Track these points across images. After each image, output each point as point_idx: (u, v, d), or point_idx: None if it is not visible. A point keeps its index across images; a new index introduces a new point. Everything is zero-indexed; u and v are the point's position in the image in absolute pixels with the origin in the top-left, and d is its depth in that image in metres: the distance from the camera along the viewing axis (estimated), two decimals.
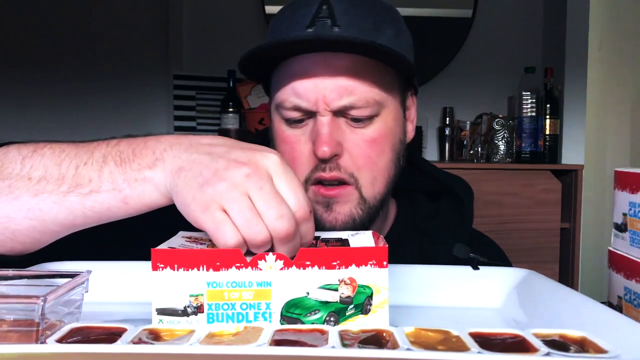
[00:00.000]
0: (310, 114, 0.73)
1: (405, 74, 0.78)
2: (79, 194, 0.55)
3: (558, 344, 0.42)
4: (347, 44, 0.69)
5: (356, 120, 0.73)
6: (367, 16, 0.73)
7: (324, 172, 0.72)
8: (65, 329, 0.43)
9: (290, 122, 0.74)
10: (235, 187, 0.48)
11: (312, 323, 0.47)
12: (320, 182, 0.73)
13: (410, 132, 0.82)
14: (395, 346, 0.40)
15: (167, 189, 0.53)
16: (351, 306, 0.48)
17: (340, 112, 0.72)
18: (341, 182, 0.73)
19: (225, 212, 0.48)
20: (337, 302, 0.48)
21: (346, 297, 0.48)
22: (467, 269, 0.67)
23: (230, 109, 2.10)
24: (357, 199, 0.74)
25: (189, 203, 0.49)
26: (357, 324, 0.48)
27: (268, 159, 0.50)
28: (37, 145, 0.59)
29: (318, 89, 0.71)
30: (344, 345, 0.41)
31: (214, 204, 0.48)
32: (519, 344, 0.41)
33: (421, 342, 0.41)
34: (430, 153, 2.36)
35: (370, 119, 0.73)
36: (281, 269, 0.47)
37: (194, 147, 0.53)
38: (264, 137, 0.81)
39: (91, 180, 0.55)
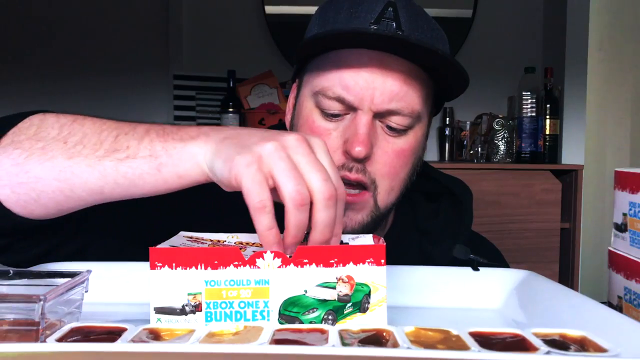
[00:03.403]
0: (350, 109, 0.71)
1: (453, 94, 0.77)
2: (115, 159, 0.55)
3: (558, 343, 0.42)
4: (427, 51, 0.68)
5: (392, 129, 0.72)
6: (426, 30, 0.72)
7: (349, 172, 0.71)
8: (65, 328, 0.43)
9: (327, 115, 0.72)
10: (283, 148, 0.48)
11: (310, 321, 0.47)
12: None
13: (425, 149, 0.82)
14: (395, 345, 0.40)
15: (205, 159, 0.52)
16: (349, 304, 0.48)
17: (381, 115, 0.71)
18: (362, 187, 0.72)
19: (266, 177, 0.47)
20: (335, 300, 0.48)
21: (344, 295, 0.48)
22: (467, 269, 0.67)
23: (230, 109, 2.10)
24: (371, 206, 0.73)
25: (233, 157, 0.49)
26: (356, 322, 0.48)
27: (316, 139, 0.52)
28: (77, 116, 0.60)
29: (369, 87, 0.69)
30: (344, 344, 0.41)
31: (260, 162, 0.48)
32: (519, 343, 0.41)
33: (421, 341, 0.41)
34: (430, 153, 2.36)
35: (405, 130, 0.72)
36: (279, 267, 0.47)
37: (240, 128, 0.54)
38: None
39: (129, 147, 0.55)
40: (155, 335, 0.43)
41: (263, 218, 0.46)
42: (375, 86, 0.69)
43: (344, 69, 0.70)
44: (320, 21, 0.75)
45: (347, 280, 0.48)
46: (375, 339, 0.42)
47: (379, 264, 0.48)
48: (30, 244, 0.65)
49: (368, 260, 0.48)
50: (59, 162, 0.56)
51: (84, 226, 0.68)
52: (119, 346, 0.40)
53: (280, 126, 0.85)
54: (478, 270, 0.67)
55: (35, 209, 0.59)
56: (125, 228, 0.71)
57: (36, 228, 0.61)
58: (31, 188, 0.57)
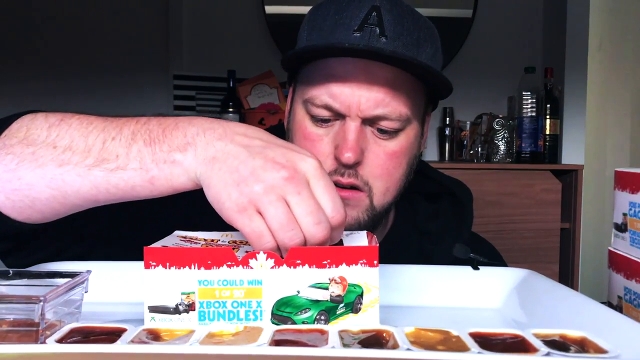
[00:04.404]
0: (339, 116, 0.72)
1: (442, 95, 0.78)
2: (105, 169, 0.54)
3: (558, 344, 0.42)
4: (406, 63, 0.68)
5: (382, 131, 0.72)
6: (412, 31, 0.72)
7: (341, 177, 0.71)
8: (65, 329, 0.43)
9: (317, 120, 0.73)
10: (272, 190, 0.47)
11: (303, 322, 0.47)
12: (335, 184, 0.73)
13: (423, 147, 0.82)
14: (395, 346, 0.40)
15: (196, 176, 0.52)
16: (341, 305, 0.48)
17: (369, 121, 0.72)
18: (355, 188, 0.73)
19: (260, 214, 0.47)
20: (327, 300, 0.48)
21: (336, 296, 0.48)
22: (467, 269, 0.67)
23: (230, 109, 2.10)
24: (366, 205, 0.74)
25: (224, 201, 0.48)
26: (348, 323, 0.48)
27: (306, 162, 0.50)
28: (65, 115, 0.59)
29: (354, 94, 0.70)
30: (344, 345, 0.41)
31: (251, 206, 0.47)
32: (519, 344, 0.41)
33: (421, 342, 0.41)
34: (430, 153, 2.36)
35: (396, 132, 0.73)
36: (272, 267, 0.47)
37: (229, 137, 0.52)
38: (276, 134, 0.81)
39: (118, 156, 0.54)
40: (154, 336, 0.43)
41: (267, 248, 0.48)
42: (360, 93, 0.70)
43: (330, 78, 0.71)
44: (309, 26, 0.76)
45: (339, 281, 0.48)
46: (375, 339, 0.42)
47: (371, 265, 0.48)
48: (33, 248, 0.64)
49: (361, 262, 0.48)
50: (49, 170, 0.55)
51: (87, 231, 0.68)
52: (118, 347, 0.40)
53: (280, 126, 0.85)
54: (478, 269, 0.67)
55: (32, 214, 0.58)
56: (129, 235, 0.71)
57: (38, 232, 0.61)
58: (25, 195, 0.57)
